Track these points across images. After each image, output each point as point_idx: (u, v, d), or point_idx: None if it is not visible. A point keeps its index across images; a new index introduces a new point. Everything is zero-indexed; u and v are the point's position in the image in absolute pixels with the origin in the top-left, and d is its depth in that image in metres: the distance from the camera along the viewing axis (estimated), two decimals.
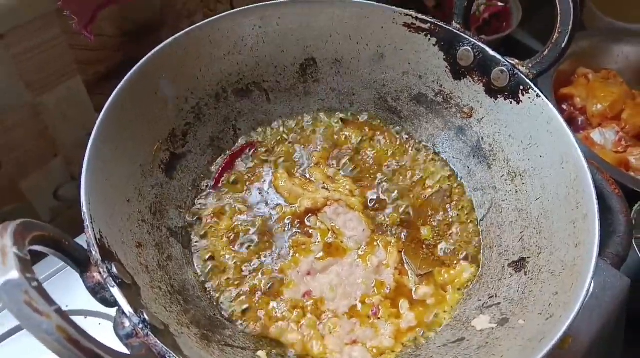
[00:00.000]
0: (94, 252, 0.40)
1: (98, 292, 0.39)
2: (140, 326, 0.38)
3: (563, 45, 0.55)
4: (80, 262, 0.40)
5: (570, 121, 1.10)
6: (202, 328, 0.46)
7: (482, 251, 0.58)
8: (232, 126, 0.64)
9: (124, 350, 0.38)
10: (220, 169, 0.61)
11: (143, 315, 0.38)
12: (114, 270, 0.40)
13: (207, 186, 0.60)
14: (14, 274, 0.29)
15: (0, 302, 0.30)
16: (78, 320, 0.59)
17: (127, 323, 0.38)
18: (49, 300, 0.30)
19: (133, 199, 0.51)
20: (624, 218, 0.75)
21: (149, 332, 0.37)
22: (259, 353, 0.48)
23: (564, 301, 0.44)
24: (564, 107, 1.13)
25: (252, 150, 0.63)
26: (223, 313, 0.52)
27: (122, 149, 0.51)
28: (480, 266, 0.57)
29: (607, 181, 0.79)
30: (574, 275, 0.46)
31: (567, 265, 0.47)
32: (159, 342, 0.37)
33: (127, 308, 0.38)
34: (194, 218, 0.57)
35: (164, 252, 0.51)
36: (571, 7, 0.54)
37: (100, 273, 0.40)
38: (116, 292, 0.39)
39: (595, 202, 0.48)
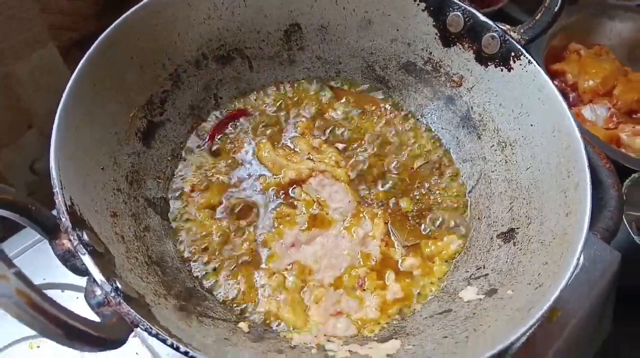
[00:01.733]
0: (63, 219, 0.38)
1: (68, 259, 0.37)
2: (112, 294, 0.36)
3: (556, 9, 0.54)
4: (49, 229, 0.38)
5: (562, 97, 1.09)
6: (181, 300, 0.45)
7: (470, 222, 0.56)
8: (213, 95, 0.61)
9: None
10: (209, 135, 0.59)
11: (115, 283, 0.36)
12: (85, 237, 0.38)
13: (187, 155, 0.58)
14: None
15: None
16: (55, 293, 0.57)
17: (98, 292, 0.36)
18: (8, 263, 0.28)
19: (108, 167, 0.49)
20: (615, 193, 0.74)
21: (122, 300, 0.36)
22: (241, 324, 0.46)
23: (554, 270, 0.43)
24: (555, 83, 1.11)
25: (243, 118, 0.61)
26: (203, 284, 0.50)
27: (95, 115, 0.48)
28: (468, 238, 0.55)
29: (598, 155, 0.78)
30: (564, 245, 0.45)
31: (558, 234, 0.46)
32: (132, 310, 0.35)
33: (98, 276, 0.36)
34: (174, 189, 0.55)
35: (141, 223, 0.49)
36: None
37: (70, 240, 0.37)
38: (87, 259, 0.37)
39: (587, 170, 0.47)
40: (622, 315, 0.74)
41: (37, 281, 0.57)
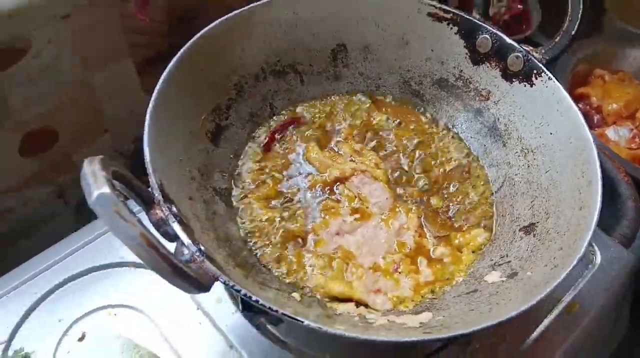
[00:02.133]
0: (156, 194, 0.47)
1: (161, 226, 0.46)
2: (197, 253, 0.44)
3: (573, 32, 0.61)
4: (146, 201, 0.47)
5: (586, 119, 1.15)
6: (245, 271, 0.52)
7: (495, 219, 0.63)
8: (269, 104, 0.70)
9: None
10: (268, 138, 0.67)
11: (199, 245, 0.45)
12: (174, 209, 0.47)
13: (247, 155, 0.67)
14: (106, 189, 0.36)
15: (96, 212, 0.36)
16: (130, 270, 0.66)
17: (186, 251, 0.44)
18: (133, 213, 0.37)
19: (185, 160, 0.57)
20: (633, 204, 0.80)
21: (204, 259, 0.44)
22: (293, 294, 0.54)
23: (568, 253, 0.49)
24: (580, 106, 1.18)
25: (296, 124, 0.69)
26: (261, 261, 0.58)
27: (175, 117, 0.57)
28: (494, 232, 0.62)
29: (617, 169, 0.84)
30: (577, 233, 0.51)
31: (572, 225, 0.53)
32: (213, 267, 0.43)
33: (186, 240, 0.44)
34: (236, 182, 0.64)
35: (210, 208, 0.58)
36: None
37: (162, 211, 0.46)
38: (176, 226, 0.45)
39: (599, 170, 0.54)
40: (639, 320, 0.79)
41: (114, 259, 0.67)
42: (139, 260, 0.66)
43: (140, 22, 0.70)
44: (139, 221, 0.37)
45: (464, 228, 0.63)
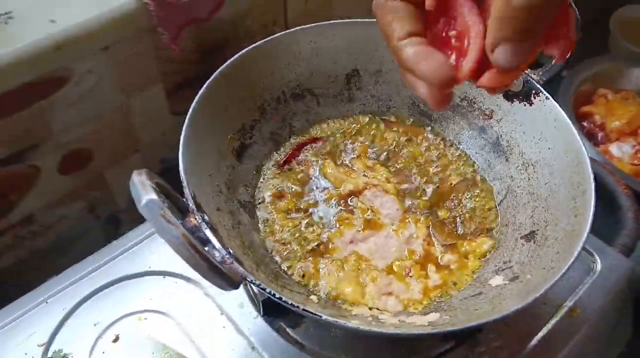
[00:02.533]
0: (190, 204, 0.53)
1: (195, 232, 0.51)
2: (227, 256, 0.49)
3: (567, 56, 0.66)
4: (181, 211, 0.52)
5: (591, 136, 1.20)
6: (268, 275, 0.58)
7: (499, 228, 0.68)
8: (288, 124, 0.76)
9: None
10: (288, 155, 0.73)
11: (228, 249, 0.50)
12: (206, 218, 0.52)
13: (268, 171, 0.72)
14: (153, 196, 0.42)
15: (144, 216, 0.42)
16: (158, 278, 0.71)
17: (217, 254, 0.49)
18: (175, 217, 0.42)
19: (213, 175, 0.63)
20: (632, 215, 0.84)
21: (234, 261, 0.49)
22: (311, 297, 0.59)
23: (564, 257, 0.54)
24: (585, 124, 1.23)
25: (314, 143, 0.75)
26: (281, 267, 0.63)
27: (205, 136, 0.63)
28: (497, 240, 0.67)
29: (617, 182, 0.88)
30: (573, 239, 0.56)
31: (568, 231, 0.57)
32: (241, 268, 0.49)
33: (217, 244, 0.50)
34: (258, 196, 0.70)
35: (235, 218, 0.63)
36: (573, 24, 0.65)
37: (196, 219, 0.52)
38: (208, 232, 0.51)
39: (592, 181, 0.58)
40: None
41: (143, 269, 0.72)
42: (166, 269, 0.72)
43: (172, 51, 0.77)
44: (182, 223, 0.42)
45: (470, 237, 0.67)
